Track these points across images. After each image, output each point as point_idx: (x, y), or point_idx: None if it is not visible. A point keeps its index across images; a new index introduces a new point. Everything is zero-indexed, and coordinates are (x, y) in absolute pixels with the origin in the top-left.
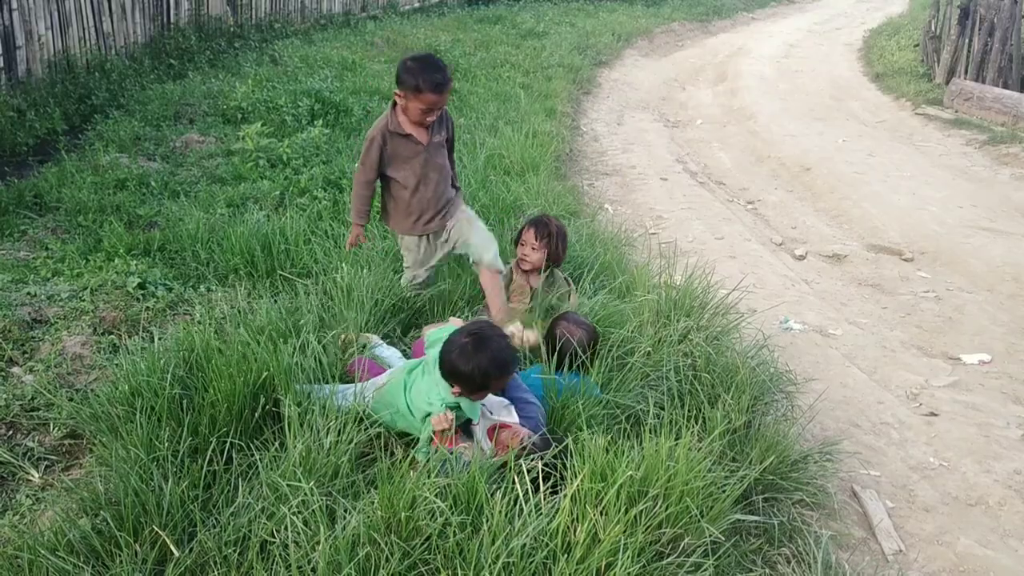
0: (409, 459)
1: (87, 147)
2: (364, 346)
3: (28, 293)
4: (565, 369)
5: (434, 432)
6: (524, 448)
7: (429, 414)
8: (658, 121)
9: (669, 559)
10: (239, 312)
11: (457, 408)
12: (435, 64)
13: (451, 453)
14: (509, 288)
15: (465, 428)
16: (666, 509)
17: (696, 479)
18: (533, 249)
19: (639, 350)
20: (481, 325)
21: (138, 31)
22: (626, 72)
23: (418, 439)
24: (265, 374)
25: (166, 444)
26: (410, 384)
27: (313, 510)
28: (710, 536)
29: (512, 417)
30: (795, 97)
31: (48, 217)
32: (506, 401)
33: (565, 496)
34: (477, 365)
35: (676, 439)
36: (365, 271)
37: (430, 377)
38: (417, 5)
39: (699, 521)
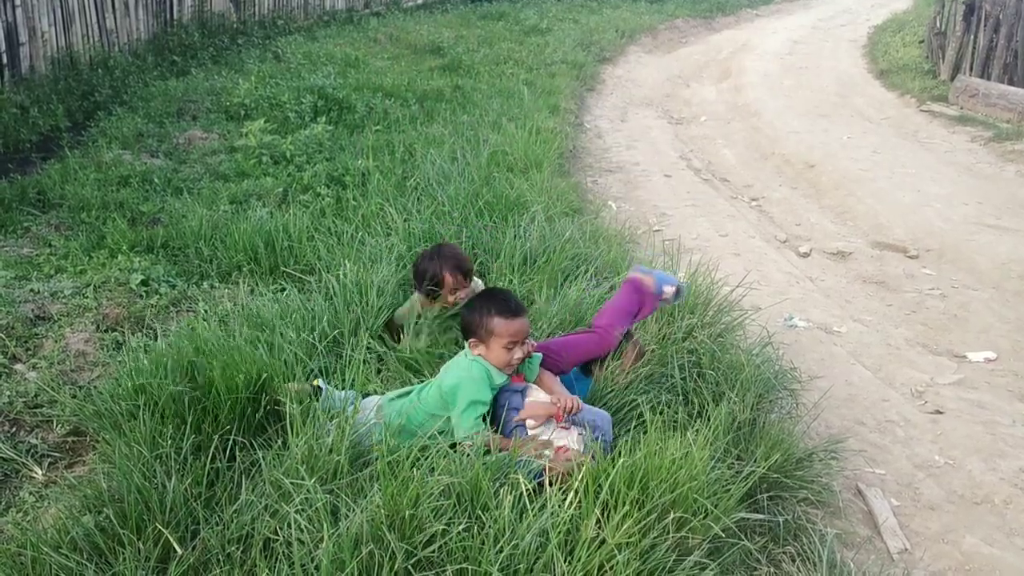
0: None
1: (90, 144)
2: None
3: (31, 290)
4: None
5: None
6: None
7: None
8: (662, 118)
9: (673, 557)
10: (242, 309)
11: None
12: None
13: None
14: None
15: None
16: (671, 506)
17: (701, 476)
18: (463, 288)
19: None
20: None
21: (141, 28)
22: (630, 69)
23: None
24: (264, 376)
25: (169, 441)
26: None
27: (316, 508)
28: (715, 534)
29: (569, 439)
30: (799, 94)
31: (51, 214)
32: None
33: (568, 491)
34: (482, 311)
35: (681, 437)
36: (368, 268)
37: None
38: (420, 1)
39: (704, 519)
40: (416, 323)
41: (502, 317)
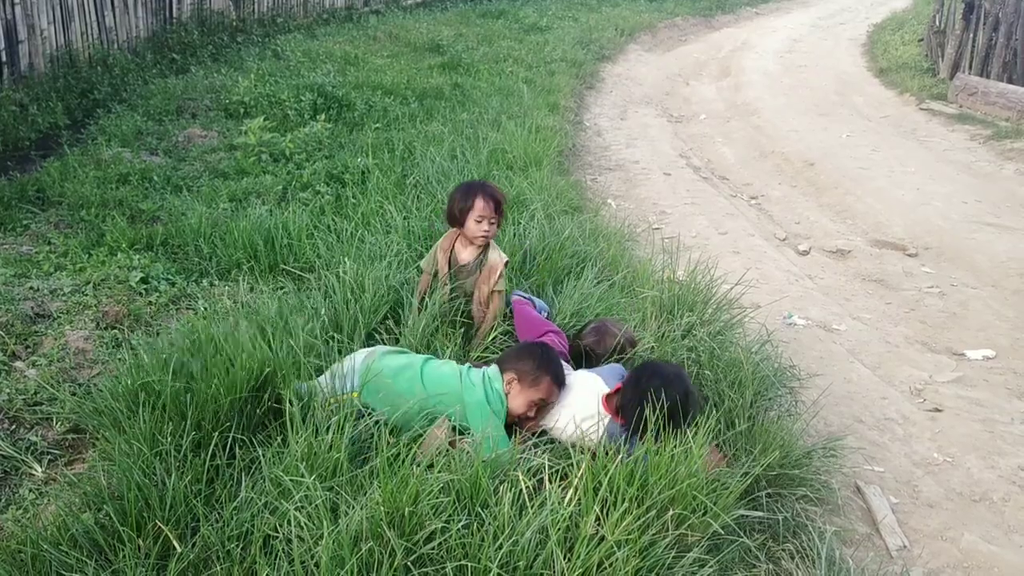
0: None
1: (89, 141)
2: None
3: (31, 287)
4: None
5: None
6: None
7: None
8: (661, 116)
9: (672, 554)
10: (241, 307)
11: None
12: None
13: None
14: (452, 277)
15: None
16: (670, 503)
17: (700, 473)
18: (491, 223)
19: (643, 345)
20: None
21: (140, 25)
22: (629, 67)
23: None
24: (267, 370)
25: (169, 439)
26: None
27: (316, 505)
28: (714, 531)
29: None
30: (799, 92)
31: (51, 211)
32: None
33: (568, 488)
34: (544, 366)
35: (680, 434)
36: (368, 266)
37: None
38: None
39: (703, 516)
40: (422, 302)
41: (555, 384)
